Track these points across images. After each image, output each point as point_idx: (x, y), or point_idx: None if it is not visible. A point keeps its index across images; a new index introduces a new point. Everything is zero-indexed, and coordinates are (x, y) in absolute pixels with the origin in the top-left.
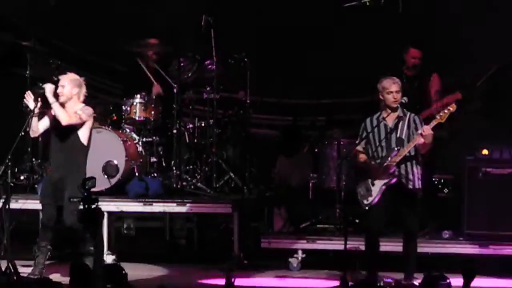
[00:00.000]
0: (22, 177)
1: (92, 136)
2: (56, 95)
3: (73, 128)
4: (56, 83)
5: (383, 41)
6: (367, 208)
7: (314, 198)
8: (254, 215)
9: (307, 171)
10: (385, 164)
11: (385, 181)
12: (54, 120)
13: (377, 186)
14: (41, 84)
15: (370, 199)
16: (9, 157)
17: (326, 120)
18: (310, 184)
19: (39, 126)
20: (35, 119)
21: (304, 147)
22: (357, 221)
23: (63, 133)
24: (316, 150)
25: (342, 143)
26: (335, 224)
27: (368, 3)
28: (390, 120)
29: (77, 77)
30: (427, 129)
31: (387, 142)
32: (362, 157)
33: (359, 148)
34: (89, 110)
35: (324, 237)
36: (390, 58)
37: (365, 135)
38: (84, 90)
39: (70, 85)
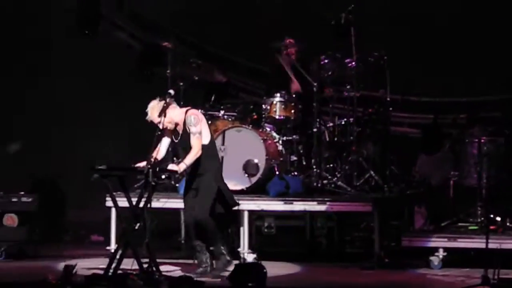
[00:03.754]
0: (163, 176)
1: (230, 135)
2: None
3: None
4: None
5: None
6: None
7: (455, 196)
8: (394, 213)
9: (448, 169)
10: None
11: None
12: (173, 135)
13: None
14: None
15: None
16: (153, 155)
17: (467, 118)
18: (451, 182)
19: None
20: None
21: (445, 145)
22: (498, 219)
23: (184, 143)
24: (457, 148)
25: (483, 140)
26: (477, 223)
27: None
28: None
29: (154, 102)
30: None
31: None
32: None
33: None
34: (196, 116)
35: (465, 235)
36: None
37: None
38: (168, 99)
39: (164, 113)
